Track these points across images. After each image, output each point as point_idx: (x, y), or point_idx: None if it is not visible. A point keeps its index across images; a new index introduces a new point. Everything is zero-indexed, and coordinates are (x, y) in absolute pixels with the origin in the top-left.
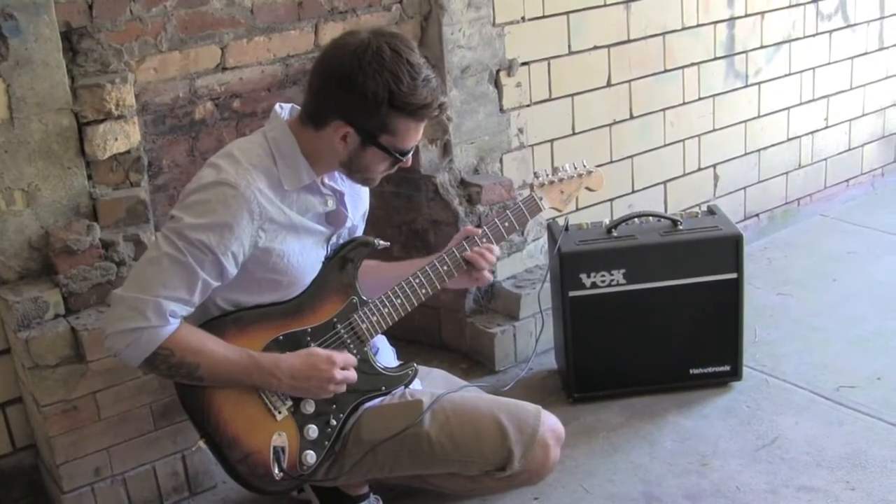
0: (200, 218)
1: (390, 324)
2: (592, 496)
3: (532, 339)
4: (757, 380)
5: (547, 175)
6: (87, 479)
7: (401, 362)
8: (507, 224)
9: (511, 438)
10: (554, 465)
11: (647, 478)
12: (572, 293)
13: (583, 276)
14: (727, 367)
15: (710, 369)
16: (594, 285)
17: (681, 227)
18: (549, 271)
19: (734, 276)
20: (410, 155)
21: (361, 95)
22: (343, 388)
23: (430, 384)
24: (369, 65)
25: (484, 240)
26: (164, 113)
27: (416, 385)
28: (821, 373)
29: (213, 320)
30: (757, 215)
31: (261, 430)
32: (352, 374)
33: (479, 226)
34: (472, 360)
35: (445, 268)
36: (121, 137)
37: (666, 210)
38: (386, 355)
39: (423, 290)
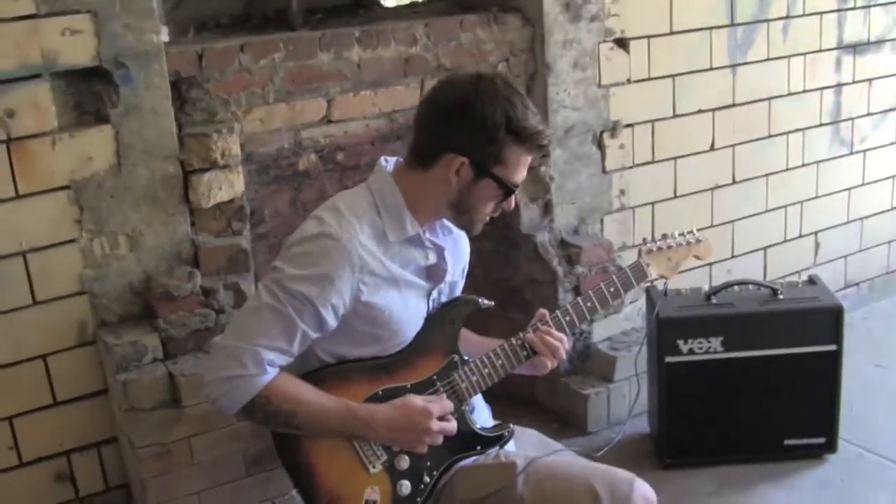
0: (302, 269)
1: (489, 385)
2: None
3: (625, 402)
4: (852, 454)
5: (655, 242)
6: None
7: (497, 422)
8: (612, 289)
9: None
10: None
11: None
12: (669, 359)
13: (680, 342)
14: (822, 440)
15: (805, 441)
16: (691, 351)
17: (781, 297)
18: (647, 335)
19: (833, 347)
20: (514, 197)
21: (479, 122)
22: (440, 440)
23: (524, 445)
24: (485, 92)
25: (558, 321)
26: (269, 163)
27: (510, 446)
28: None
29: (314, 372)
30: (857, 284)
31: (354, 483)
32: (450, 425)
33: (577, 288)
34: (565, 420)
35: (520, 343)
36: (225, 186)
37: (765, 277)
38: (481, 414)
39: (525, 353)
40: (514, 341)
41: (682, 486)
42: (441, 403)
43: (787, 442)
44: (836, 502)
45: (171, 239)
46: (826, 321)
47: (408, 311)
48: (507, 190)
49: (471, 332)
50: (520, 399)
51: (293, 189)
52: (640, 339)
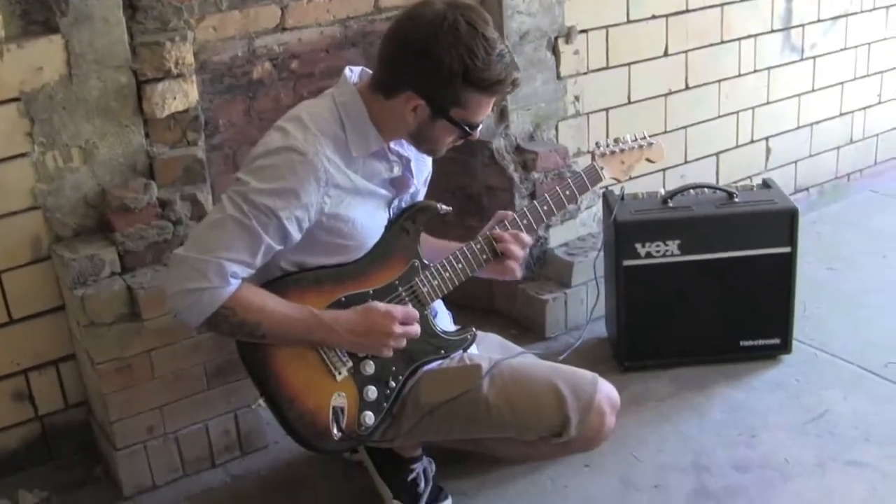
0: (267, 183)
1: (451, 288)
2: (643, 465)
3: (583, 306)
4: (806, 354)
5: (608, 145)
6: (139, 436)
7: (459, 326)
8: (567, 193)
9: (568, 405)
10: (609, 433)
11: (696, 448)
12: (627, 262)
13: (637, 246)
14: (777, 341)
15: (760, 342)
16: (649, 255)
17: (736, 200)
18: (604, 240)
19: (788, 249)
20: (479, 129)
21: (436, 68)
22: (403, 343)
23: (487, 349)
24: (445, 38)
25: (516, 224)
26: (222, 72)
27: (473, 350)
28: (869, 349)
29: (275, 281)
30: (807, 189)
31: (321, 390)
32: (413, 329)
33: (533, 194)
34: (523, 326)
35: (479, 247)
36: (179, 96)
37: (718, 182)
38: (444, 318)
39: (484, 256)
40: (473, 244)
41: (641, 388)
42: (405, 308)
43: (742, 343)
44: (791, 401)
45: (125, 151)
46: (781, 223)
47: (371, 221)
48: (465, 131)
49: (430, 237)
50: (478, 307)
51: (247, 98)
52: (597, 244)
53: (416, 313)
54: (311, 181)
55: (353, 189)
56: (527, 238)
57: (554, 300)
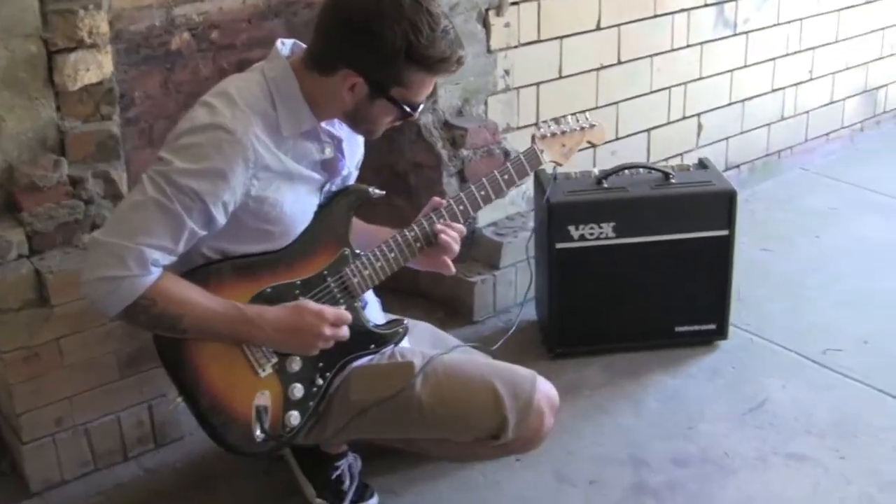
0: (192, 163)
1: (382, 279)
2: (577, 459)
3: (511, 288)
4: (742, 339)
5: (549, 127)
6: (48, 428)
7: (390, 318)
8: (506, 177)
9: (506, 406)
10: (548, 434)
11: (633, 440)
12: (560, 245)
13: (571, 228)
14: (713, 326)
15: (696, 327)
16: (582, 238)
17: (673, 181)
18: (536, 221)
19: (725, 232)
20: (420, 109)
21: (376, 45)
22: (331, 345)
23: (418, 340)
24: (387, 12)
25: (452, 211)
26: (139, 42)
27: (405, 343)
28: (807, 334)
29: (197, 269)
30: (738, 166)
31: (243, 388)
32: (343, 332)
33: (461, 172)
34: (450, 308)
35: (413, 235)
36: (93, 67)
37: (648, 158)
38: (373, 309)
39: (419, 245)
40: (407, 233)
41: (573, 376)
42: (336, 310)
43: (677, 329)
44: (729, 389)
45: (34, 125)
46: (719, 205)
47: (300, 206)
48: (406, 111)
49: (361, 222)
50: (404, 288)
51: (165, 70)
52: (527, 224)
53: (349, 316)
54: (238, 161)
55: (283, 172)
56: (462, 229)
57: (483, 282)
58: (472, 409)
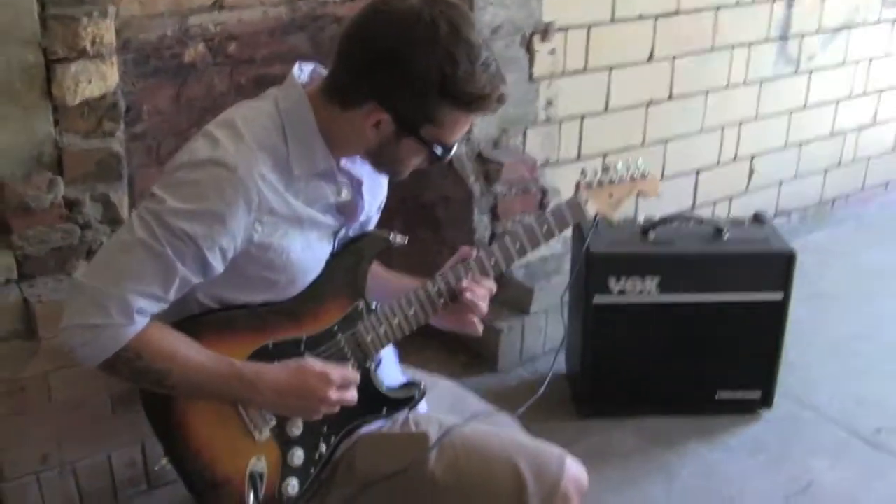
0: (186, 203)
1: (399, 337)
2: None
3: (541, 336)
4: (788, 410)
5: (596, 174)
6: (31, 466)
7: (407, 380)
8: (545, 229)
9: (528, 490)
10: None
11: None
12: (598, 298)
13: (611, 281)
14: (757, 394)
15: (739, 394)
16: (622, 292)
17: (726, 237)
18: (573, 270)
19: (780, 297)
20: (453, 151)
21: (406, 77)
22: (336, 410)
23: (437, 401)
24: (422, 41)
25: (482, 264)
26: (149, 53)
27: (422, 406)
28: (859, 408)
29: (191, 319)
30: (789, 213)
31: (237, 453)
32: (350, 395)
33: (495, 209)
34: (473, 353)
35: (437, 290)
36: (95, 80)
37: (694, 200)
38: (388, 366)
39: (442, 301)
40: (430, 286)
41: (602, 440)
42: (342, 371)
43: (719, 395)
44: (772, 466)
45: (29, 139)
46: (775, 267)
47: (310, 254)
48: (437, 154)
49: (379, 267)
50: (424, 330)
51: (177, 84)
52: (561, 268)
53: (356, 376)
54: (240, 203)
55: (291, 216)
56: (492, 285)
57: (510, 329)
58: (491, 490)
